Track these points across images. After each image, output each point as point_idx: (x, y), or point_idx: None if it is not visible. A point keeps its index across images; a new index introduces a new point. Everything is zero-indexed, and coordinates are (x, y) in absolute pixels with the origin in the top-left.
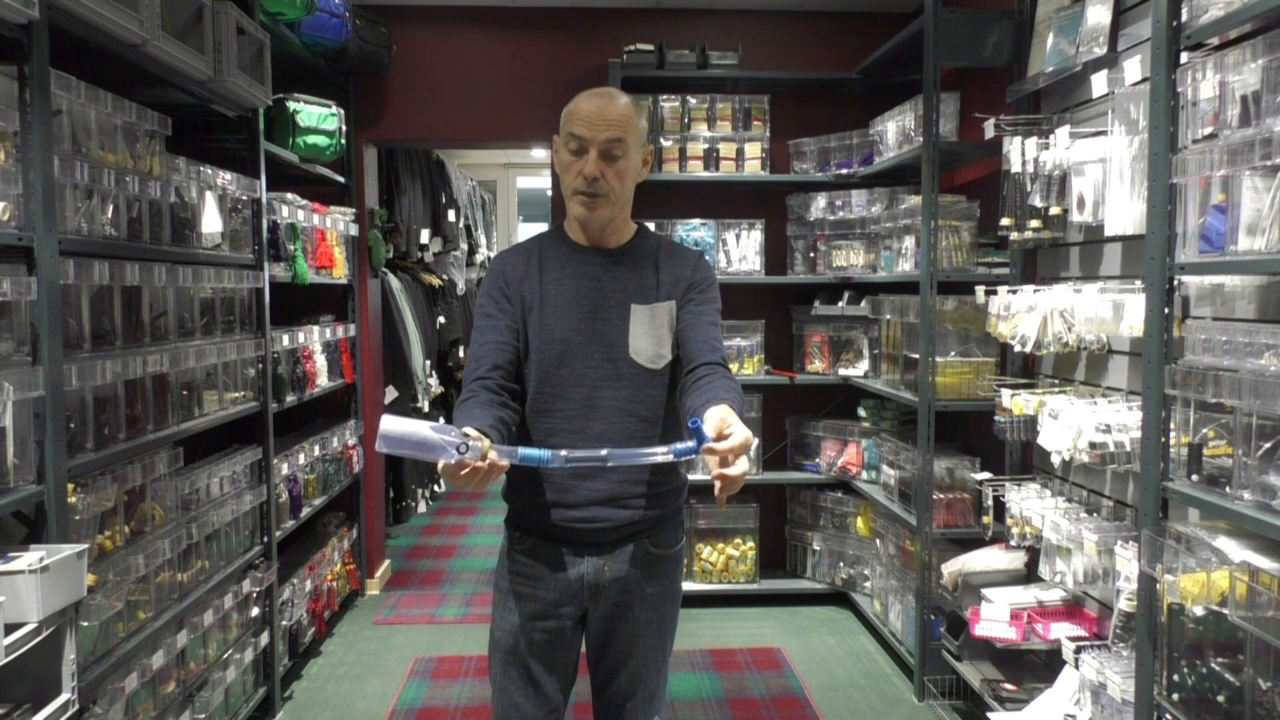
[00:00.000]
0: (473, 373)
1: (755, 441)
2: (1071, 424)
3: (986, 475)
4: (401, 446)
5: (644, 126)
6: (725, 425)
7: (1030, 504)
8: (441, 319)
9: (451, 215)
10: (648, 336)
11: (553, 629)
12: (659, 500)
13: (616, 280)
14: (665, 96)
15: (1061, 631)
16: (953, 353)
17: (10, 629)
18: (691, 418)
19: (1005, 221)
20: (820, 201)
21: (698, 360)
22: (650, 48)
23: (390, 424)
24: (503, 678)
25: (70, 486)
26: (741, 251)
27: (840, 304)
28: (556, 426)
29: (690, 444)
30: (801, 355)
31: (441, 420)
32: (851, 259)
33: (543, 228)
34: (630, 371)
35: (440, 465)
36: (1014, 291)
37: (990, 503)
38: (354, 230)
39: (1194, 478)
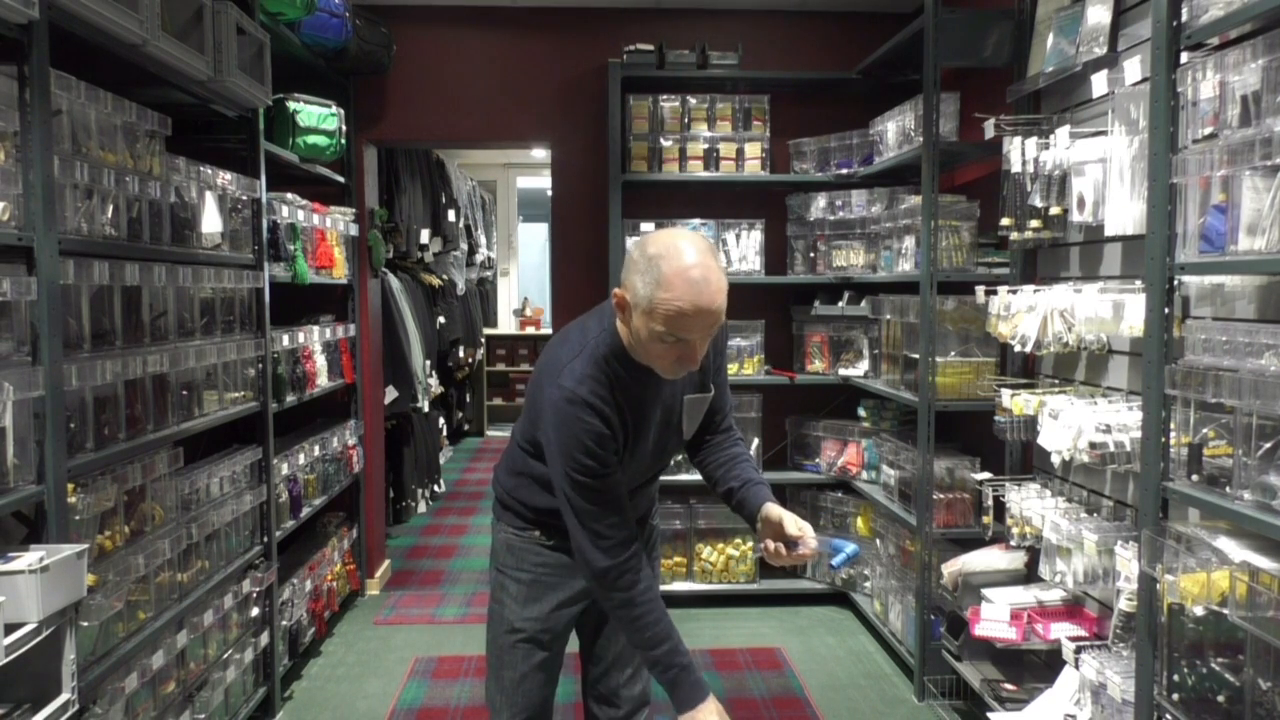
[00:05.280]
0: (626, 534)
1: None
2: (1071, 424)
3: (986, 475)
4: None
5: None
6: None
7: (1030, 504)
8: (441, 319)
9: (451, 215)
10: (694, 420)
11: (576, 613)
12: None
13: (677, 384)
14: (665, 96)
15: (1061, 631)
16: (953, 353)
17: (10, 629)
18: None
19: (1005, 221)
20: (820, 201)
21: (715, 426)
22: (650, 48)
23: None
24: (524, 664)
25: (70, 486)
26: (741, 251)
27: (840, 304)
28: None
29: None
30: (801, 355)
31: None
32: (851, 259)
33: (542, 228)
34: (675, 447)
35: None
36: (1014, 291)
37: (990, 503)
38: (354, 230)
39: (1194, 478)
